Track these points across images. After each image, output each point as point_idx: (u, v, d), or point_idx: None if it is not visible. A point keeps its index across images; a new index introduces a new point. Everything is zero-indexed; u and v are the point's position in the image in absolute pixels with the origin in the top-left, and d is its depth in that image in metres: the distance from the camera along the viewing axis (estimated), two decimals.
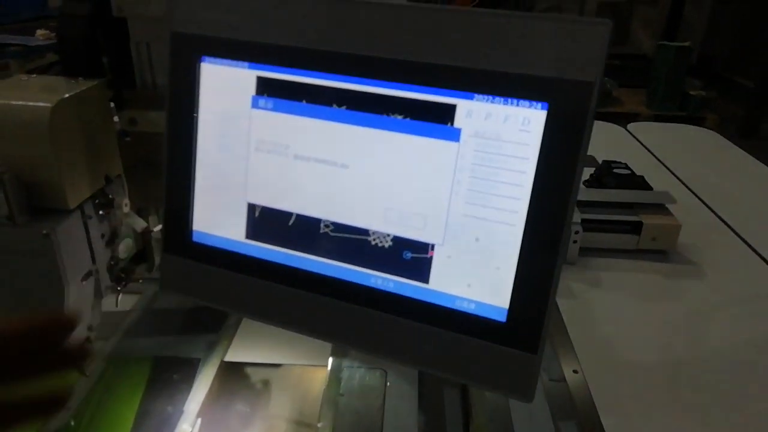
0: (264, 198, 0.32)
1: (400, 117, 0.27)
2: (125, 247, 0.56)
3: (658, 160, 1.27)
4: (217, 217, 0.33)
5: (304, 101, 0.29)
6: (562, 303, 0.79)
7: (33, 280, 0.46)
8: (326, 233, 0.30)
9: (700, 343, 0.72)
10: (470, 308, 0.28)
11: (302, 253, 0.31)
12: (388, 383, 0.63)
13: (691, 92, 4.08)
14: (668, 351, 0.70)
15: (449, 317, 0.28)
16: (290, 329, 0.32)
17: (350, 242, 0.30)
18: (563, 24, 0.24)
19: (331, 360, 0.65)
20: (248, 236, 0.33)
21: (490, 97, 0.25)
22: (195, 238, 0.34)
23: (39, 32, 2.16)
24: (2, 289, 0.46)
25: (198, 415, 0.57)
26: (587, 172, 1.08)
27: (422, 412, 0.60)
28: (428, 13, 0.26)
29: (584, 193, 0.96)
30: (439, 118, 0.27)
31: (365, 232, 0.29)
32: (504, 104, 0.25)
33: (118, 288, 0.55)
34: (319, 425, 0.57)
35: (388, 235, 0.29)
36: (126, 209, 0.53)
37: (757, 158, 1.32)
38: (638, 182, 0.98)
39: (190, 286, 0.35)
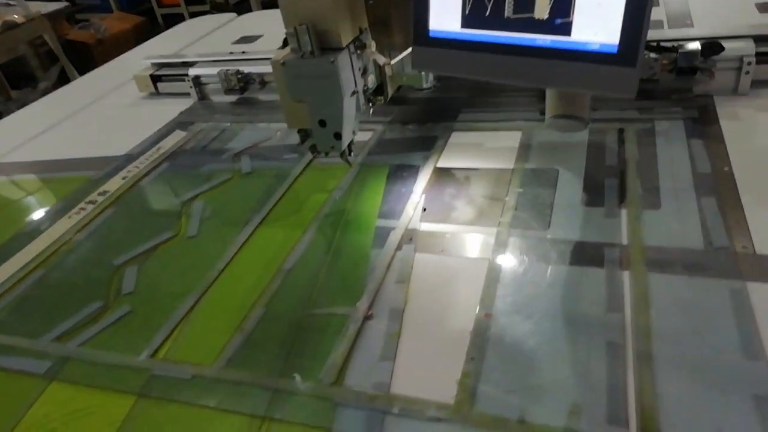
0: None
1: None
2: (371, 79, 0.83)
3: None
4: (443, 18, 0.56)
5: None
6: (725, 125, 0.89)
7: (326, 94, 0.74)
8: (508, 17, 0.52)
9: None
10: (596, 48, 0.48)
11: (495, 32, 0.52)
12: (559, 178, 0.83)
13: None
14: None
15: (585, 55, 0.49)
16: (493, 80, 0.54)
17: (524, 19, 0.51)
18: None
19: (514, 162, 0.88)
20: (462, 26, 0.55)
21: None
22: (431, 35, 0.58)
23: None
24: (308, 99, 0.76)
25: (422, 193, 0.85)
26: None
27: (586, 194, 0.79)
28: None
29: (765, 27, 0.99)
30: None
31: (532, 10, 0.50)
32: None
33: (370, 105, 0.83)
34: (506, 198, 0.80)
35: (545, 11, 0.49)
36: (372, 49, 0.79)
37: None
38: None
39: (430, 64, 0.58)
